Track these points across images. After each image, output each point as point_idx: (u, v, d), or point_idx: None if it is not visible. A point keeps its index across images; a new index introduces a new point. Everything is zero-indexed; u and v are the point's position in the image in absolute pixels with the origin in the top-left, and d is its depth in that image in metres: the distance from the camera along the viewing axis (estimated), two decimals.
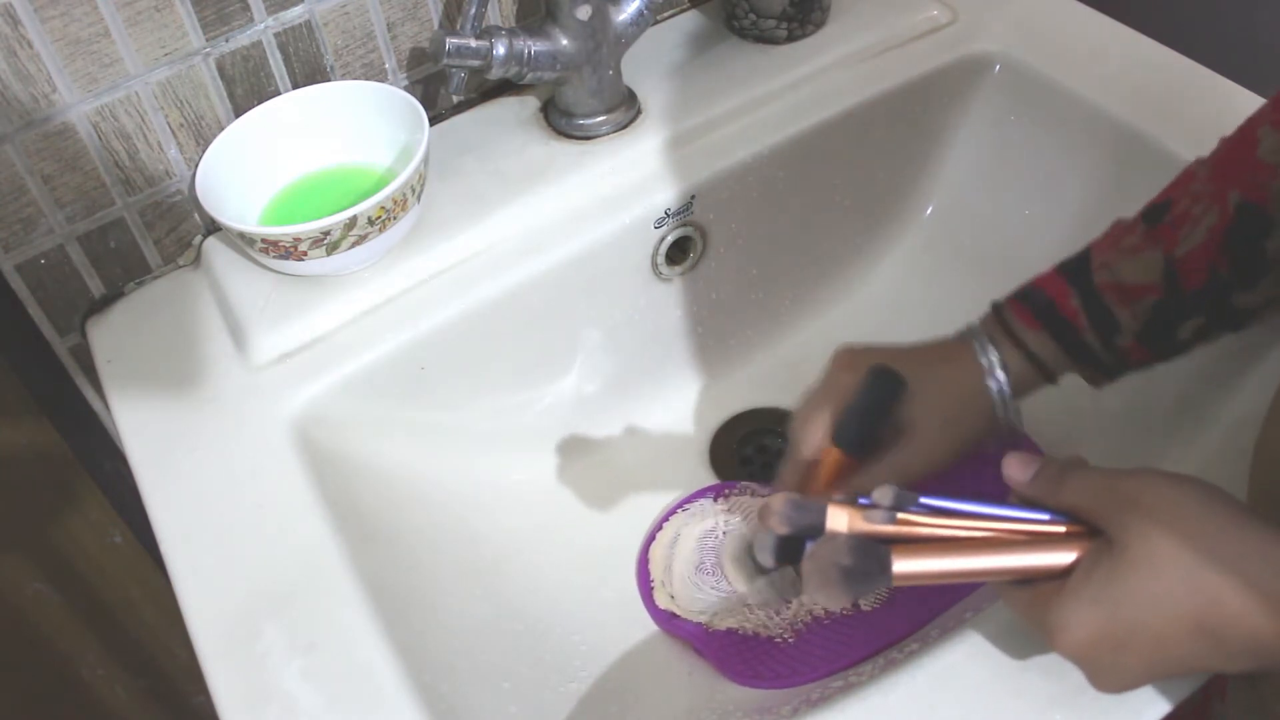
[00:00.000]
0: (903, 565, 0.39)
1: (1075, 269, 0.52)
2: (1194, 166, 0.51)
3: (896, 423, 0.50)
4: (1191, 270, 0.48)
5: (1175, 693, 0.42)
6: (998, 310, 0.54)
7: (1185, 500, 0.36)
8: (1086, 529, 0.39)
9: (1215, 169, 0.49)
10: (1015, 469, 0.42)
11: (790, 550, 0.41)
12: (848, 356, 0.53)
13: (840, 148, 0.71)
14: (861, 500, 0.41)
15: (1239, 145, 0.49)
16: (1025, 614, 0.39)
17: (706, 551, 0.64)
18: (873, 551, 0.39)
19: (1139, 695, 0.42)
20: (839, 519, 0.40)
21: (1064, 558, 0.38)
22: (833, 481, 0.50)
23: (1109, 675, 0.37)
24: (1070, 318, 0.51)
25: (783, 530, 0.41)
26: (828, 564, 0.39)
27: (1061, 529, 0.39)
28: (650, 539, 0.66)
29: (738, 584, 0.60)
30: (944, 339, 0.54)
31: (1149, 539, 0.35)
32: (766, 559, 0.42)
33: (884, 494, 0.40)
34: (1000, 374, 0.51)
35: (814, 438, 0.51)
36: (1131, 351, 0.51)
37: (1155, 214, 0.51)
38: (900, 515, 0.40)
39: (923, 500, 0.40)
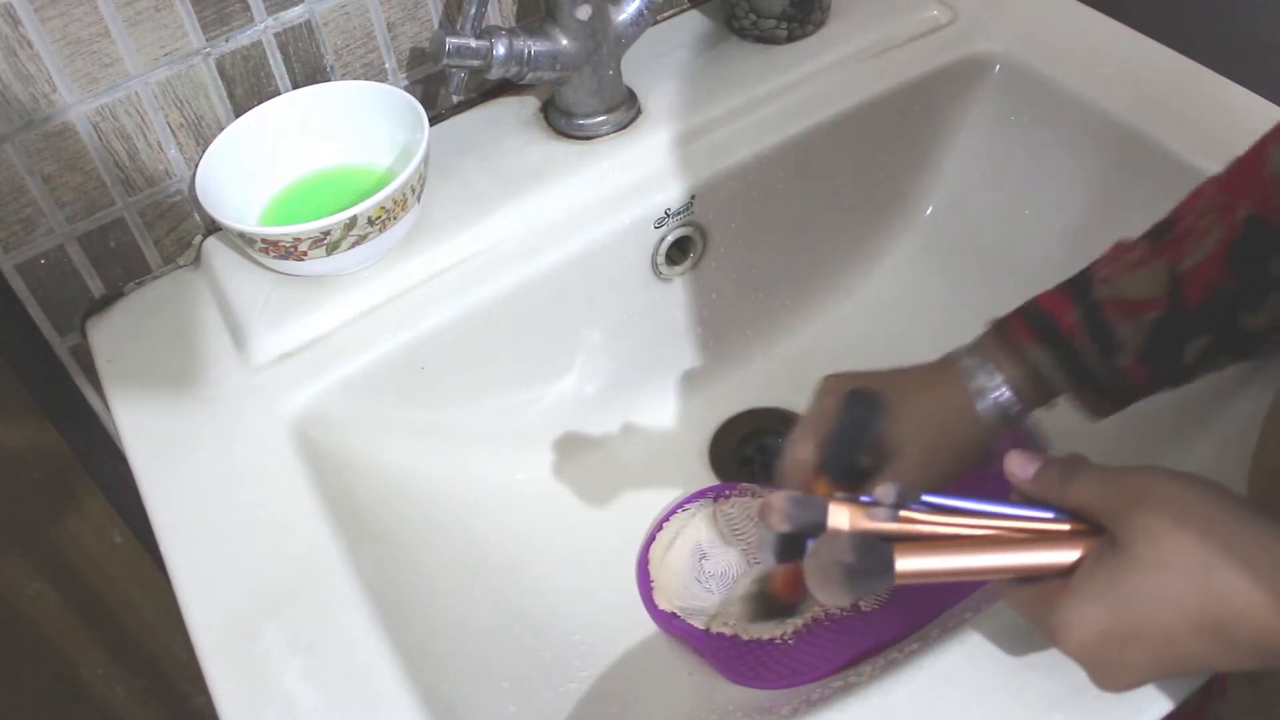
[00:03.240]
0: (905, 563, 0.38)
1: (1076, 285, 0.51)
2: (1204, 185, 0.50)
3: (882, 447, 0.50)
4: (1196, 285, 0.47)
5: (1176, 693, 0.42)
6: (999, 326, 0.53)
7: (1190, 497, 0.36)
8: (1090, 527, 0.39)
9: (1224, 185, 0.49)
10: (1017, 466, 0.42)
11: (791, 549, 0.41)
12: (831, 383, 0.53)
13: (840, 148, 0.71)
14: (863, 498, 0.41)
15: (1249, 162, 0.48)
16: (1028, 613, 0.39)
17: (706, 552, 0.64)
18: (876, 549, 0.38)
19: (1139, 695, 0.42)
20: (840, 517, 0.40)
21: (1068, 555, 0.38)
22: None
23: (1113, 674, 0.37)
24: (1069, 333, 0.50)
25: (784, 528, 0.40)
26: (830, 562, 0.38)
27: (1065, 527, 0.39)
28: (650, 539, 0.66)
29: (742, 625, 0.60)
30: (931, 363, 0.54)
31: (1154, 537, 0.35)
32: (768, 557, 0.42)
33: (886, 492, 0.40)
34: (989, 392, 0.51)
35: (802, 470, 0.51)
36: (1133, 372, 0.49)
37: (1160, 230, 0.50)
38: (902, 513, 0.40)
39: (925, 498, 0.40)
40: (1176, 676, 0.39)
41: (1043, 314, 0.51)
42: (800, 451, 0.51)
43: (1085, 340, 0.50)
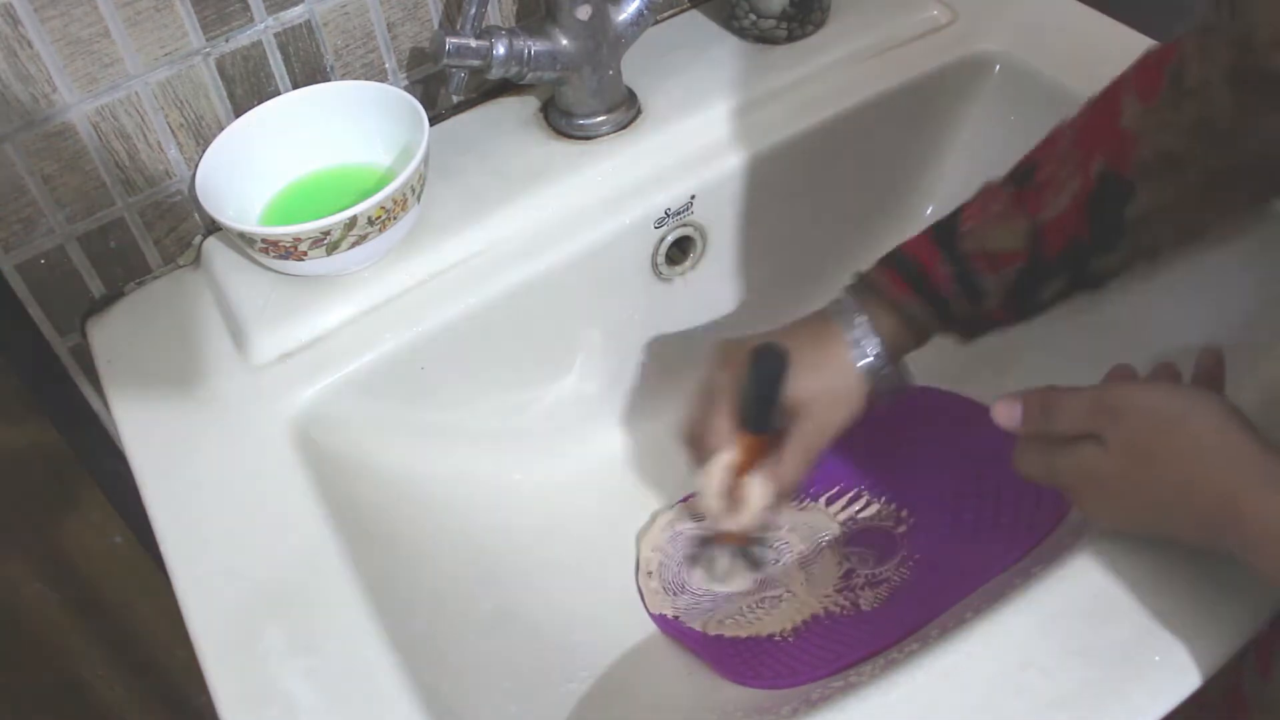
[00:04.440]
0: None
1: (944, 234, 0.54)
2: (1058, 131, 0.53)
3: (785, 404, 0.54)
4: (1054, 236, 0.51)
5: (1175, 693, 0.42)
6: (868, 276, 0.56)
7: (1159, 406, 0.43)
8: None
9: (1080, 134, 0.51)
10: (1004, 415, 0.47)
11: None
12: (720, 353, 0.56)
13: (840, 148, 0.71)
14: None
15: (1102, 112, 0.50)
16: (1037, 462, 0.46)
17: (703, 551, 0.64)
18: None
19: (1139, 695, 0.42)
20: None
21: None
22: (752, 464, 0.55)
23: (1097, 512, 0.45)
24: (939, 284, 0.53)
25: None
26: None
27: None
28: (650, 539, 0.66)
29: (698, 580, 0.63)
30: (810, 318, 0.57)
31: (1136, 435, 0.42)
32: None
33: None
34: (870, 343, 0.54)
35: (719, 435, 0.55)
36: (995, 313, 0.54)
37: (1021, 178, 0.53)
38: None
39: None
40: (1152, 532, 0.45)
41: (913, 265, 0.55)
42: (713, 420, 0.55)
43: (954, 291, 0.53)
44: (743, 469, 0.55)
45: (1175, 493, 0.42)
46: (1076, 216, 0.50)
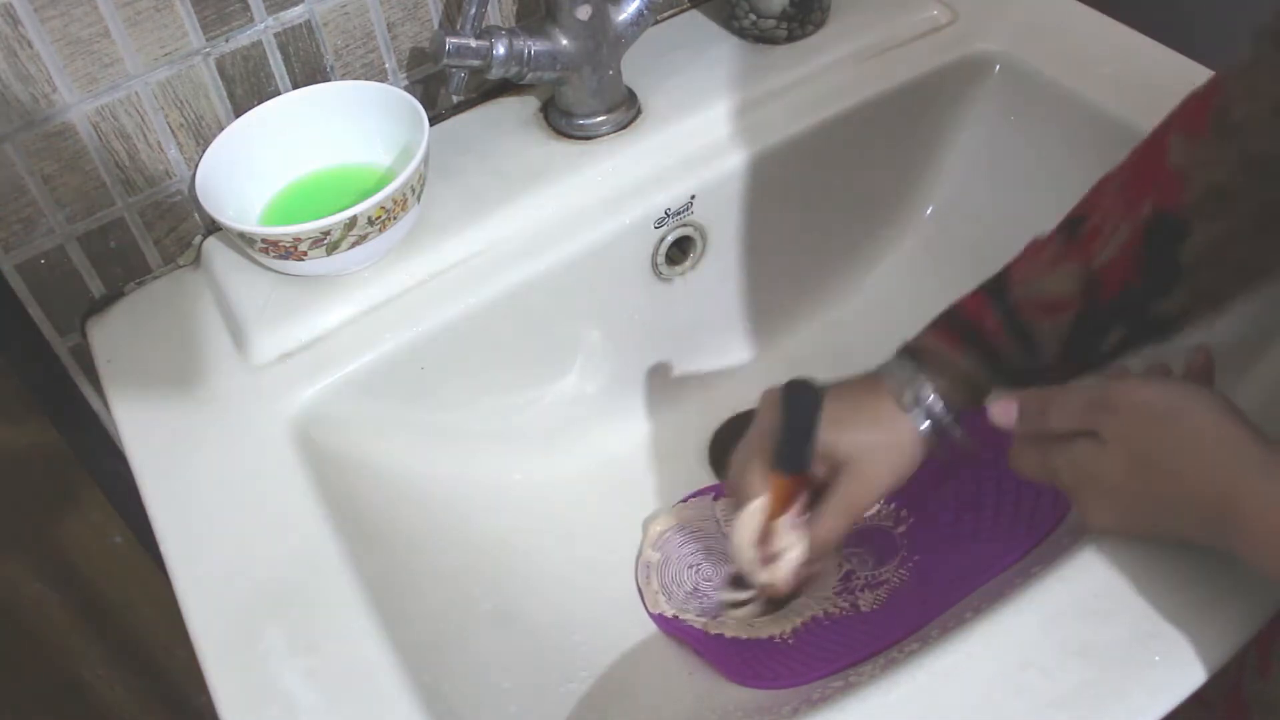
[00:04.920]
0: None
1: (994, 288, 0.53)
2: (1105, 180, 0.51)
3: (833, 458, 0.52)
4: (1108, 281, 0.49)
5: (1173, 694, 0.42)
6: (918, 338, 0.55)
7: (1155, 401, 0.43)
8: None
9: (1127, 180, 0.50)
10: (1000, 414, 0.48)
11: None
12: (769, 396, 0.54)
13: (840, 148, 0.71)
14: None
15: (1148, 155, 0.50)
16: (1033, 460, 0.46)
17: (703, 551, 0.64)
18: None
19: (1139, 695, 0.42)
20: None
21: None
22: (785, 505, 0.53)
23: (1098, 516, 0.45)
24: (990, 335, 0.52)
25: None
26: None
27: None
28: (650, 539, 0.66)
29: (743, 627, 0.61)
30: (862, 376, 0.55)
31: (1133, 436, 0.43)
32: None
33: None
34: (924, 403, 0.52)
35: (754, 479, 0.53)
36: (1055, 365, 0.51)
37: (1071, 227, 0.51)
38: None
39: None
40: (1145, 531, 0.45)
41: (965, 320, 0.53)
42: (750, 464, 0.54)
43: (1007, 342, 0.51)
44: (775, 514, 0.53)
45: (1173, 489, 0.42)
46: (1129, 261, 0.48)
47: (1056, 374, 0.52)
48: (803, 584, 0.57)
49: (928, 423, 0.52)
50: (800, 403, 0.51)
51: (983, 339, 0.52)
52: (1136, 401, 0.43)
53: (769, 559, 0.54)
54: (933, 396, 0.52)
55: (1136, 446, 0.43)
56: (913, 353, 0.54)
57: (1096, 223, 0.50)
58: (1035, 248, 0.52)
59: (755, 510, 0.53)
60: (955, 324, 0.53)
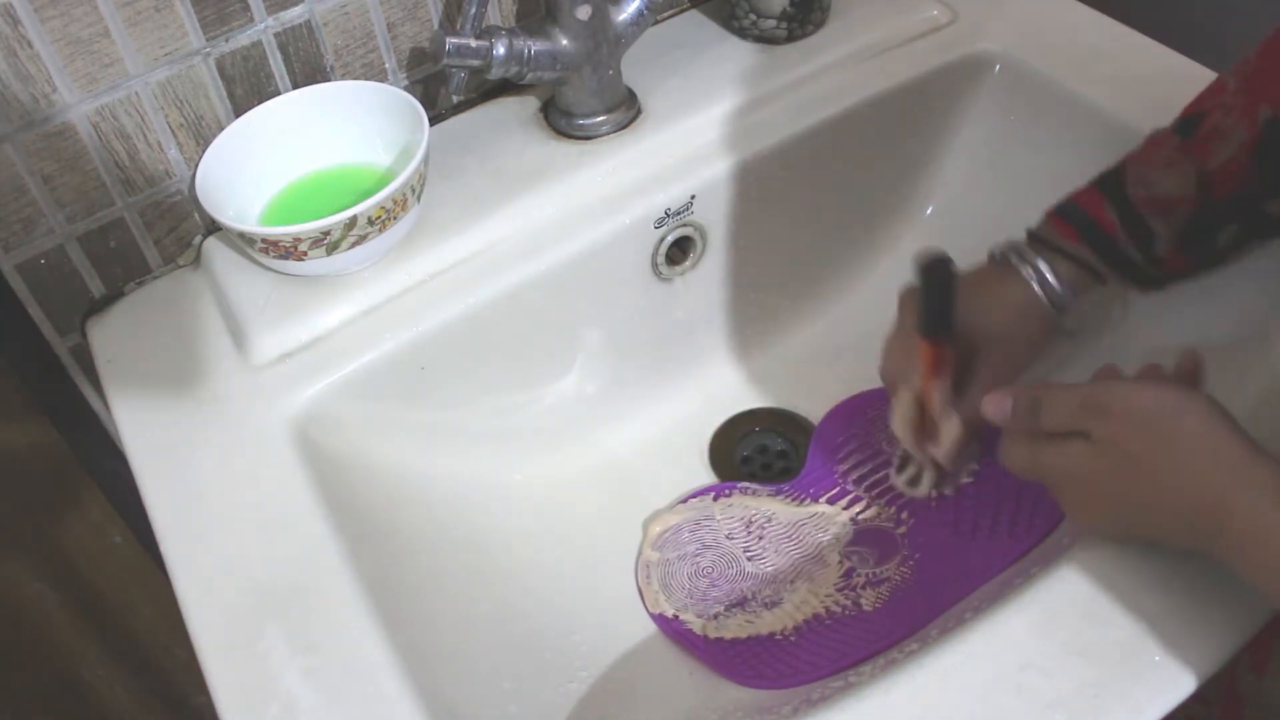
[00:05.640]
0: None
1: (1110, 183, 0.55)
2: (1224, 77, 0.53)
3: (968, 339, 0.55)
4: (1223, 183, 0.51)
5: (1172, 695, 0.42)
6: (1036, 228, 0.57)
7: (1147, 405, 0.43)
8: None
9: (1246, 82, 0.51)
10: (993, 408, 0.48)
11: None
12: (905, 293, 0.59)
13: (840, 148, 0.71)
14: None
15: (1266, 56, 0.51)
16: (1023, 456, 0.47)
17: (703, 551, 0.64)
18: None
19: (1139, 695, 0.42)
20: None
21: None
22: (936, 371, 0.56)
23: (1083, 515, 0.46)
24: (1108, 230, 0.54)
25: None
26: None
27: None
28: (650, 539, 0.66)
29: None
30: (983, 264, 0.59)
31: (1127, 439, 0.43)
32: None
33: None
34: (1047, 282, 0.56)
35: (904, 362, 0.57)
36: (1171, 259, 0.54)
37: (1188, 126, 0.53)
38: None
39: None
40: (1130, 534, 0.45)
41: (1081, 212, 0.55)
42: (897, 349, 0.58)
43: (1123, 235, 0.54)
44: (926, 375, 0.56)
45: (1161, 494, 0.42)
46: (1245, 163, 0.50)
47: (1172, 267, 0.54)
48: (959, 459, 0.60)
49: (1048, 302, 0.55)
50: (936, 272, 0.53)
51: (1100, 232, 0.54)
52: (1129, 405, 0.43)
53: (929, 435, 0.58)
54: (1053, 278, 0.55)
55: (1127, 449, 0.42)
56: (1034, 239, 0.57)
57: (1214, 123, 0.52)
58: (1152, 143, 0.55)
59: (909, 394, 0.57)
60: (1073, 217, 0.55)
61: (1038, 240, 0.57)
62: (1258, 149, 0.50)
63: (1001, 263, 0.58)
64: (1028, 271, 0.56)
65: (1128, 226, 0.54)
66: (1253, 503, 0.39)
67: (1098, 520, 0.45)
